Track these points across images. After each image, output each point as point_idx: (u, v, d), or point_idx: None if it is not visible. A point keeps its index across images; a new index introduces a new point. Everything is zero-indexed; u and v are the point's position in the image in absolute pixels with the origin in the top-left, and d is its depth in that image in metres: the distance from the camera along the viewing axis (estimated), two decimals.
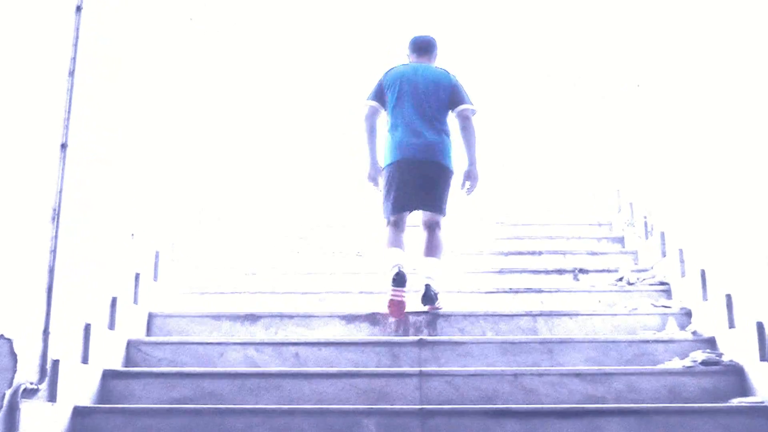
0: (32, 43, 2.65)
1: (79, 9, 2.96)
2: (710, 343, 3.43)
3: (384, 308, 3.85)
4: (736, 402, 2.97)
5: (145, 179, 3.85)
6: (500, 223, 5.83)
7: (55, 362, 2.77)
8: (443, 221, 4.13)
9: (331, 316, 3.87)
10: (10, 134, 2.51)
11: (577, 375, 3.20)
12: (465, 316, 3.84)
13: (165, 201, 4.21)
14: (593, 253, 4.97)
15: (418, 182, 4.02)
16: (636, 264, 4.81)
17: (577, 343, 3.50)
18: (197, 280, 4.58)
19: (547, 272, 4.61)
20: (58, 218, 2.78)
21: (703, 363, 3.21)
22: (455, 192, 4.23)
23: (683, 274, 3.94)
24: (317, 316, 3.88)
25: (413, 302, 4.07)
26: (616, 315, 3.85)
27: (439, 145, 4.04)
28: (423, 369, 3.29)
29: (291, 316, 3.88)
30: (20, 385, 2.52)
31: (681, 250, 3.98)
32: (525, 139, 9.08)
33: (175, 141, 4.41)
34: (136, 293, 3.70)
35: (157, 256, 4.02)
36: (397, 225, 4.07)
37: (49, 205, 2.76)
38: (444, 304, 3.98)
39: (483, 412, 2.91)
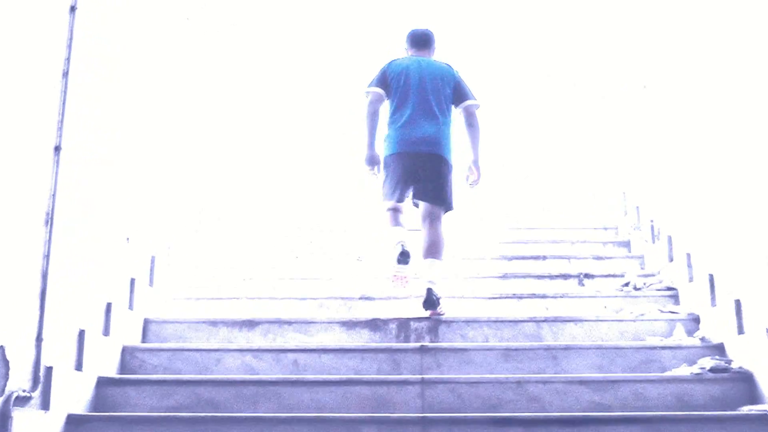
0: (25, 43, 2.65)
1: (73, 9, 2.96)
2: (719, 349, 3.42)
3: (385, 314, 3.86)
4: (745, 410, 2.96)
5: (141, 182, 3.85)
6: (503, 227, 5.83)
7: (49, 369, 2.76)
8: (444, 217, 4.15)
9: (330, 322, 3.86)
10: (3, 137, 2.51)
11: (583, 382, 3.19)
12: (467, 322, 3.84)
13: (161, 204, 4.21)
14: (599, 258, 4.97)
15: (420, 174, 4.10)
16: (642, 269, 4.80)
17: (582, 350, 3.49)
18: (194, 285, 4.58)
19: (551, 277, 4.60)
20: (51, 222, 2.78)
21: (712, 370, 3.20)
22: (458, 188, 4.28)
23: (691, 279, 3.93)
24: (317, 322, 3.87)
25: (415, 307, 4.06)
26: (622, 321, 3.84)
27: (441, 139, 4.14)
28: (425, 376, 3.28)
29: (290, 323, 3.87)
30: (12, 392, 2.51)
31: (689, 255, 3.97)
32: (528, 141, 9.08)
33: (173, 143, 4.41)
34: (131, 299, 3.69)
35: (152, 261, 4.01)
36: (396, 209, 4.20)
37: (42, 208, 2.76)
38: (446, 310, 3.98)
39: (486, 421, 2.90)
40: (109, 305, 3.39)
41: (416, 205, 4.24)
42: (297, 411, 3.16)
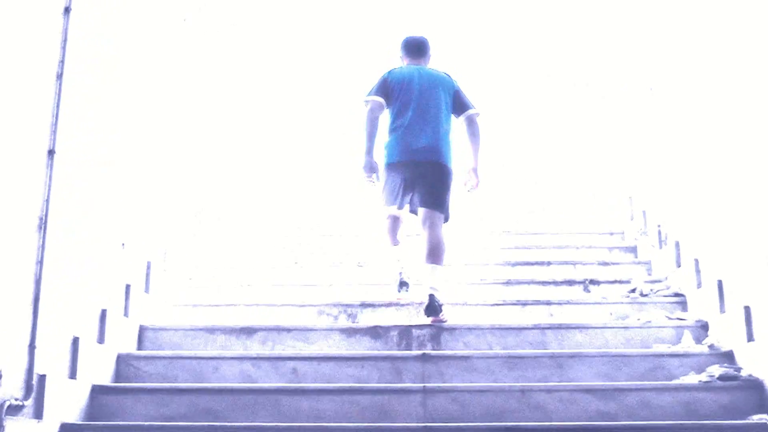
0: (18, 45, 2.65)
1: (67, 10, 2.96)
2: (728, 356, 3.41)
3: (386, 321, 3.86)
4: (755, 419, 2.94)
5: (137, 185, 3.85)
6: (507, 232, 5.82)
7: (42, 377, 2.75)
8: (445, 225, 4.19)
9: (330, 330, 3.85)
10: None
11: (588, 390, 3.17)
12: (470, 329, 3.83)
13: (158, 209, 4.21)
14: (604, 264, 4.96)
15: (419, 181, 4.16)
16: (649, 274, 4.79)
17: (588, 358, 3.48)
18: (191, 292, 4.57)
19: (556, 283, 4.59)
20: (45, 227, 2.78)
21: (721, 378, 3.18)
22: (458, 195, 4.35)
23: (699, 285, 3.92)
24: (316, 330, 3.86)
25: (417, 315, 4.06)
26: (628, 328, 3.83)
27: (441, 147, 4.20)
28: (427, 385, 3.27)
29: (288, 330, 3.86)
30: (4, 401, 2.51)
31: (696, 260, 3.96)
32: (531, 144, 9.08)
33: (170, 145, 4.41)
34: (126, 305, 3.69)
35: (148, 267, 4.01)
36: (396, 218, 4.34)
37: (35, 213, 2.75)
38: (449, 316, 3.97)
39: (489, 430, 2.89)
40: (103, 312, 3.39)
41: (415, 213, 4.27)
42: (296, 420, 3.15)
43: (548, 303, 4.22)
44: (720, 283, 3.59)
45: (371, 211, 5.62)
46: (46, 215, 2.78)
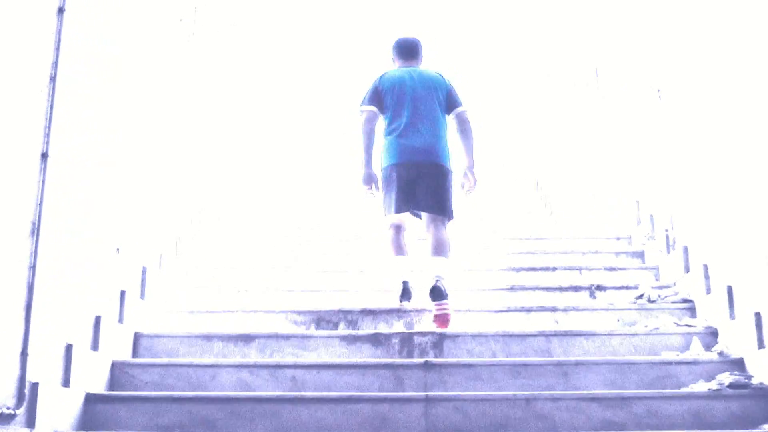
0: (10, 47, 2.65)
1: (61, 11, 2.96)
2: (738, 364, 3.40)
3: (388, 328, 3.86)
4: (767, 428, 2.93)
5: (133, 189, 3.85)
6: (511, 237, 5.81)
7: (34, 385, 2.74)
8: (449, 224, 4.28)
9: (330, 337, 3.84)
10: None
11: (595, 399, 3.16)
12: (474, 336, 3.82)
13: (154, 213, 4.20)
14: (611, 269, 4.95)
15: (420, 184, 4.21)
16: (657, 280, 4.78)
17: (594, 365, 3.47)
18: (187, 298, 4.57)
19: (561, 289, 4.58)
20: (37, 232, 2.77)
21: (731, 386, 3.17)
22: (458, 197, 4.40)
23: (708, 291, 3.91)
24: (315, 337, 3.85)
25: (419, 323, 4.06)
26: (636, 335, 3.82)
27: (438, 147, 4.26)
28: (429, 393, 3.26)
29: (287, 337, 3.86)
30: None
31: (706, 266, 3.95)
32: (534, 146, 9.08)
33: (167, 147, 4.41)
34: (121, 312, 3.69)
35: (144, 273, 4.01)
36: (399, 228, 4.34)
37: (28, 218, 2.75)
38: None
39: None
40: (98, 318, 3.38)
41: (418, 216, 4.33)
42: (295, 430, 3.14)
43: (553, 309, 4.21)
44: (730, 289, 3.58)
45: (372, 215, 5.63)
46: (39, 220, 2.78)
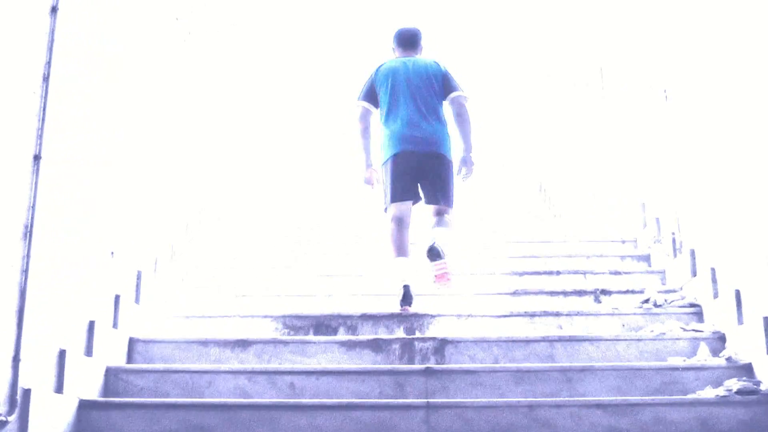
0: (1, 47, 2.65)
1: (54, 10, 2.96)
2: (747, 370, 3.39)
3: (388, 333, 3.85)
4: None
5: (128, 192, 3.84)
6: (514, 241, 5.80)
7: (26, 392, 2.74)
8: (452, 212, 4.39)
9: (329, 343, 3.84)
10: None
11: (599, 406, 3.15)
12: (476, 342, 3.81)
13: (149, 216, 4.20)
14: (616, 273, 4.94)
15: (421, 174, 4.30)
16: (663, 284, 4.77)
17: (599, 371, 3.46)
18: (183, 303, 4.57)
19: (565, 294, 4.57)
20: (30, 235, 2.77)
21: (739, 392, 3.16)
22: (461, 195, 4.54)
23: (716, 295, 3.90)
24: (314, 343, 3.85)
25: (419, 329, 4.05)
26: (641, 340, 3.81)
27: (437, 136, 4.33)
28: (430, 400, 3.25)
29: (286, 343, 3.85)
30: None
31: (713, 269, 3.94)
32: (536, 147, 9.08)
33: (161, 150, 4.40)
34: (115, 317, 3.68)
35: (139, 277, 4.00)
36: (401, 221, 4.30)
37: (20, 221, 2.74)
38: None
39: None
40: (92, 324, 3.38)
41: (419, 199, 4.41)
42: None
43: (557, 314, 4.20)
44: (738, 293, 3.57)
45: (372, 217, 5.63)
46: (31, 223, 2.78)
